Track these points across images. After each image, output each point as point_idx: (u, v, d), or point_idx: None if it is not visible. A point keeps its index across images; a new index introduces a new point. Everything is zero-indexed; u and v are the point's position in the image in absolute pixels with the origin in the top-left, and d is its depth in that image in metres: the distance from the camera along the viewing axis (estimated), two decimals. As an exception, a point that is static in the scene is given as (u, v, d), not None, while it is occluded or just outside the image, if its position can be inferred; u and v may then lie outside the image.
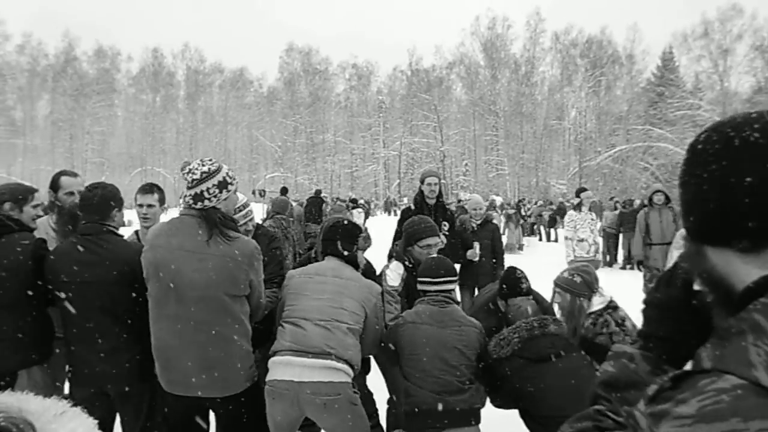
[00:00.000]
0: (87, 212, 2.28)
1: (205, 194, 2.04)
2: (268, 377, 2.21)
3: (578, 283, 2.45)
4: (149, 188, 2.79)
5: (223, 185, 2.06)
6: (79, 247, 2.21)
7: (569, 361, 2.19)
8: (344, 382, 2.17)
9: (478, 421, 2.27)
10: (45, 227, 2.69)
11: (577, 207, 6.55)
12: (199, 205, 2.04)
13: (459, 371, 2.27)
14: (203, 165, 2.05)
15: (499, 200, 17.16)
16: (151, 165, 45.30)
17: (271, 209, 6.48)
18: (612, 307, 2.39)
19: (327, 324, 2.19)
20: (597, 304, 2.40)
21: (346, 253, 2.38)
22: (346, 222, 2.48)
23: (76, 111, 44.53)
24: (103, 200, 2.28)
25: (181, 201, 2.13)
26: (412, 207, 4.40)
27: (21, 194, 2.53)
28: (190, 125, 46.61)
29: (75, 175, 2.95)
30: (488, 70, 44.69)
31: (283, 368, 2.15)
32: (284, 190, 10.84)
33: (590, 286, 2.43)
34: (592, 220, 6.64)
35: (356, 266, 2.42)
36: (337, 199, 22.61)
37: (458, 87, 47.78)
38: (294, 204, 9.70)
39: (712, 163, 0.59)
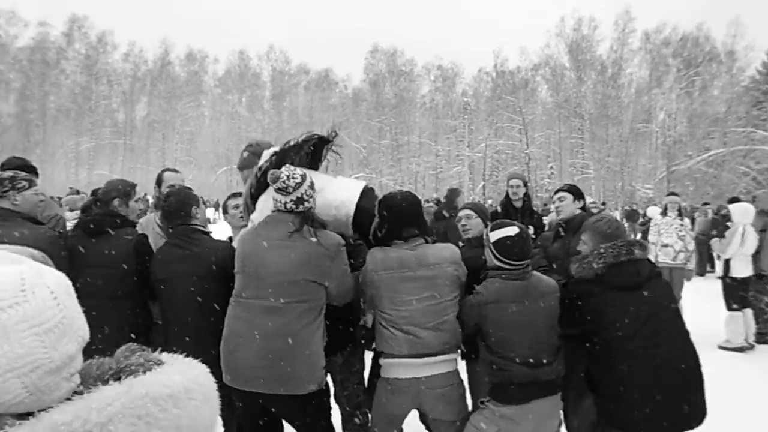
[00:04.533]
0: (171, 218, 3.37)
1: (305, 197, 3.03)
2: (386, 375, 3.13)
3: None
4: (240, 194, 3.84)
5: (312, 187, 3.06)
6: (174, 246, 3.29)
7: (654, 289, 3.07)
8: (456, 371, 3.16)
9: (560, 388, 3.14)
10: (151, 223, 3.72)
11: (663, 212, 8.30)
12: (301, 208, 3.03)
13: (548, 344, 3.09)
14: (293, 172, 3.03)
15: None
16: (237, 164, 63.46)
17: None
18: None
19: (438, 326, 3.07)
20: None
21: (417, 232, 3.18)
22: (404, 204, 3.18)
23: (168, 112, 63.64)
24: (180, 204, 3.35)
25: (277, 205, 3.10)
26: (499, 210, 6.01)
27: (127, 190, 3.60)
28: (276, 125, 65.34)
29: (177, 171, 4.28)
30: (574, 71, 60.95)
31: (404, 368, 3.07)
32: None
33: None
34: (681, 225, 8.13)
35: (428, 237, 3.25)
36: (425, 201, 35.92)
37: (543, 89, 65.77)
38: None
39: None
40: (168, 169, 4.51)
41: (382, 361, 3.19)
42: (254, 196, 3.49)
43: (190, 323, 3.25)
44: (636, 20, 58.91)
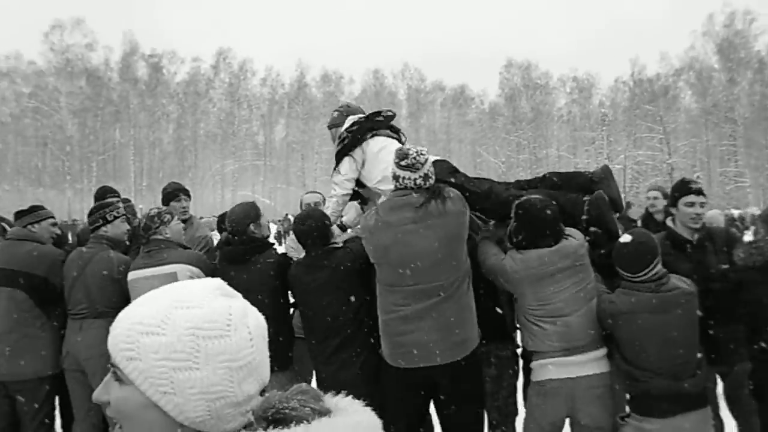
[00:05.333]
0: (311, 245, 3.67)
1: (429, 173, 3.30)
2: (537, 378, 3.24)
3: None
4: None
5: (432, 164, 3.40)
6: (309, 265, 3.64)
7: None
8: (610, 372, 3.24)
9: (708, 402, 3.08)
10: (294, 241, 3.93)
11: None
12: (427, 184, 3.28)
13: (688, 354, 3.05)
14: (420, 149, 3.33)
15: (737, 214, 23.94)
16: (378, 182, 67.74)
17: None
18: None
19: (585, 312, 3.19)
20: None
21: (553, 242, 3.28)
22: (544, 214, 3.28)
23: (306, 133, 68.77)
24: (318, 229, 3.63)
25: (393, 182, 3.36)
26: (639, 224, 5.90)
27: (256, 212, 3.97)
28: (414, 143, 67.87)
29: (316, 192, 4.73)
30: (724, 73, 59.42)
31: (556, 369, 3.14)
32: None
33: None
34: None
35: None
36: None
37: (687, 95, 65.92)
38: None
39: None
40: (310, 192, 5.13)
41: (533, 364, 3.35)
42: (345, 148, 4.01)
43: (331, 335, 3.60)
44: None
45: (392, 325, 3.33)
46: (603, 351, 3.27)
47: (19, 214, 4.28)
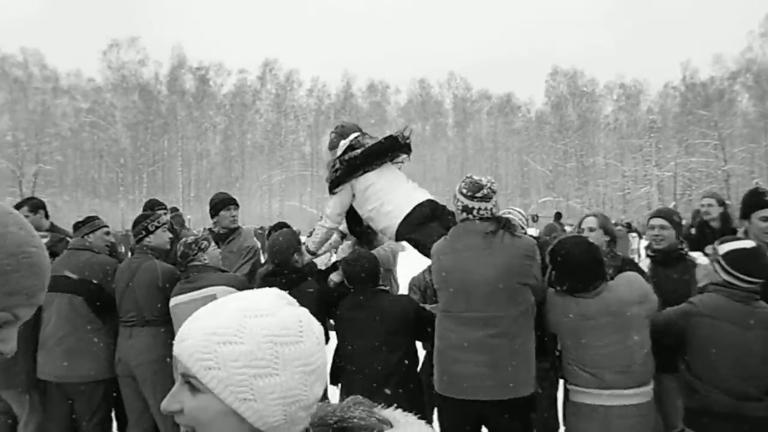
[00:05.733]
0: (360, 285, 3.79)
1: (497, 203, 3.37)
2: (573, 398, 3.26)
3: None
4: None
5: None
6: (356, 305, 3.76)
7: None
8: (650, 401, 3.16)
9: None
10: (348, 246, 4.42)
11: None
12: (497, 214, 3.36)
13: (762, 377, 2.92)
14: (490, 180, 3.38)
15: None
16: (424, 192, 67.55)
17: (542, 234, 8.79)
18: None
19: (625, 368, 3.09)
20: None
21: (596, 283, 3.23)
22: (577, 253, 3.22)
23: (354, 143, 67.88)
24: (368, 270, 3.76)
25: (464, 214, 3.35)
26: (693, 231, 5.79)
27: (297, 239, 4.05)
28: (460, 152, 69.47)
29: None
30: None
31: (590, 397, 3.14)
32: (558, 215, 14.67)
33: None
34: None
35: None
36: (615, 223, 37.44)
37: (744, 99, 64.25)
38: (568, 229, 13.17)
39: None
40: None
41: (568, 385, 3.31)
42: (334, 181, 4.11)
43: (372, 373, 3.63)
44: None
45: (444, 353, 3.32)
46: (646, 389, 3.14)
47: (77, 225, 4.49)
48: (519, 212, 4.45)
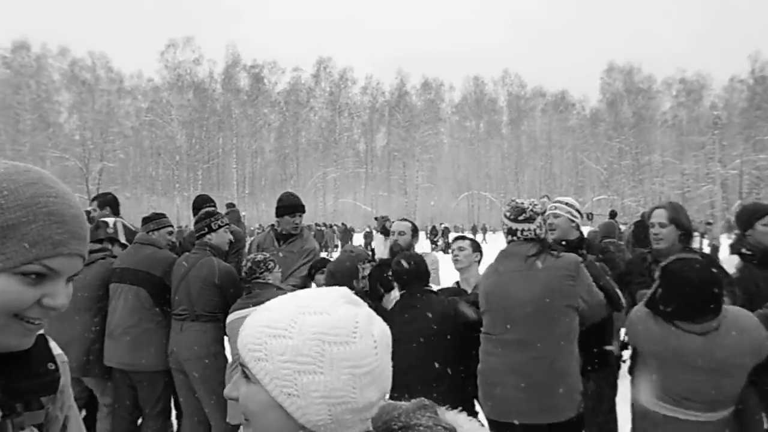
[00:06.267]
0: (409, 285, 3.78)
1: (542, 224, 3.40)
2: (650, 407, 2.99)
3: None
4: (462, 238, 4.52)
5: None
6: (405, 306, 3.74)
7: None
8: (728, 417, 2.88)
9: None
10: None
11: None
12: (541, 235, 3.37)
13: None
14: (532, 201, 3.46)
15: None
16: (477, 189, 67.14)
17: (599, 233, 8.59)
18: None
19: (714, 407, 2.82)
20: None
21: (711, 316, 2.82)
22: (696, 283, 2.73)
23: (407, 141, 69.20)
24: (417, 272, 3.77)
25: (509, 236, 3.43)
26: None
27: (357, 268, 4.11)
28: (515, 149, 69.05)
29: (406, 220, 5.00)
30: None
31: (663, 409, 2.92)
32: (613, 214, 14.57)
33: None
34: None
35: None
36: None
37: (818, 92, 62.21)
38: (623, 227, 13.03)
39: None
40: (401, 220, 5.17)
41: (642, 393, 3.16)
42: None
43: (416, 378, 3.53)
44: None
45: (485, 376, 3.33)
46: (721, 413, 2.87)
47: (145, 221, 4.69)
48: (568, 204, 4.09)
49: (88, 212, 4.72)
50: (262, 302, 3.60)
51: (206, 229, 4.36)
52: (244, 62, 67.19)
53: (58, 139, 59.15)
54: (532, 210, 3.33)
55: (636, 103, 68.54)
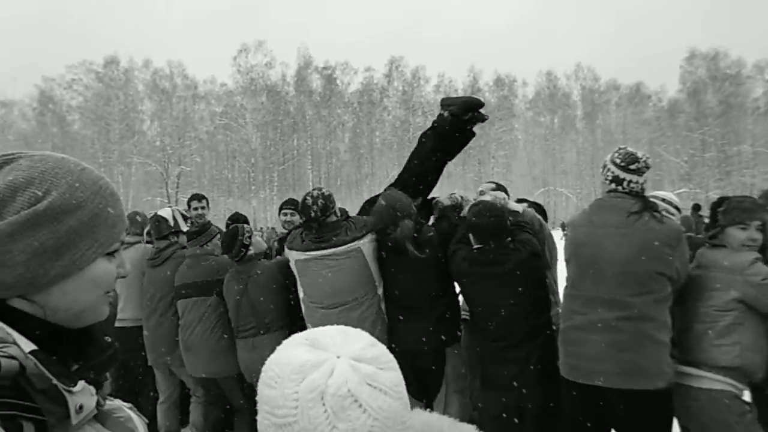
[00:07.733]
0: (489, 239, 3.61)
1: (647, 182, 3.21)
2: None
3: None
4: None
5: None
6: (485, 260, 3.63)
7: None
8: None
9: None
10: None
11: None
12: (644, 192, 3.20)
13: None
14: (645, 153, 3.26)
15: None
16: (553, 185, 65.95)
17: None
18: None
19: None
20: None
21: None
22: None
23: (482, 137, 69.06)
24: (495, 224, 3.59)
25: (612, 185, 3.23)
26: None
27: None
28: (590, 144, 67.52)
29: (496, 184, 4.77)
30: None
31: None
32: (696, 207, 14.60)
33: None
34: None
35: None
36: None
37: None
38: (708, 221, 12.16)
39: None
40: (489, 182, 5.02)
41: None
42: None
43: (505, 332, 3.55)
44: None
45: (567, 334, 3.24)
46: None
47: (191, 236, 4.74)
48: (665, 198, 3.93)
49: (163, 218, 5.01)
50: (348, 242, 3.94)
51: (244, 250, 4.39)
52: (316, 64, 68.11)
53: (142, 145, 61.64)
54: (645, 162, 3.18)
55: (722, 91, 65.37)
